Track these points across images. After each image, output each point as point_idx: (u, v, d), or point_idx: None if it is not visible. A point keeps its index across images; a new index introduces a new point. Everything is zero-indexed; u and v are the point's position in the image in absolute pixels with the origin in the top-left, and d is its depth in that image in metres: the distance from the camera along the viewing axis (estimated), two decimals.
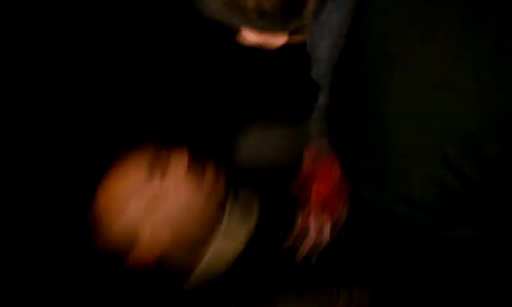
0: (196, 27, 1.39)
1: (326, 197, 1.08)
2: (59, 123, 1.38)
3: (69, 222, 1.20)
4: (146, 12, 1.41)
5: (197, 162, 1.05)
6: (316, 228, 1.05)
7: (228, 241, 1.04)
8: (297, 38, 0.88)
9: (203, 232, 1.04)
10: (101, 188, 1.04)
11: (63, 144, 1.37)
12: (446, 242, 0.83)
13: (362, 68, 0.78)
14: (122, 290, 1.07)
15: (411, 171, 0.77)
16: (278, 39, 0.89)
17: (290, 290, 1.00)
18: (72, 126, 1.39)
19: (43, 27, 1.38)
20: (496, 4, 0.73)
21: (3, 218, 1.26)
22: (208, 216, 1.04)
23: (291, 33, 0.87)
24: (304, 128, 1.14)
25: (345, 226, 1.05)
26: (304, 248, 1.04)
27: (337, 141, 0.88)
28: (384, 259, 1.00)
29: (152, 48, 1.44)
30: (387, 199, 0.81)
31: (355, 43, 0.79)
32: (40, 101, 1.38)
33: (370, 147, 0.79)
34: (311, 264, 1.03)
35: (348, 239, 1.04)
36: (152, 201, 1.01)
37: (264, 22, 0.83)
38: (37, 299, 1.19)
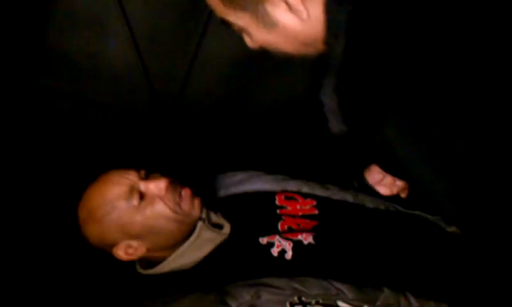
0: None
1: (292, 224, 1.21)
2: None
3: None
4: None
5: (176, 186, 1.16)
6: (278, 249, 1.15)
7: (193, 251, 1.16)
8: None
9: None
10: (87, 193, 1.15)
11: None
12: None
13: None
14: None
15: None
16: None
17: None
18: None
19: None
20: None
21: None
22: (180, 232, 1.16)
23: None
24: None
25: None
26: None
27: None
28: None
29: None
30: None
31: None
32: None
33: None
34: None
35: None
36: (130, 211, 1.11)
37: None
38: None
